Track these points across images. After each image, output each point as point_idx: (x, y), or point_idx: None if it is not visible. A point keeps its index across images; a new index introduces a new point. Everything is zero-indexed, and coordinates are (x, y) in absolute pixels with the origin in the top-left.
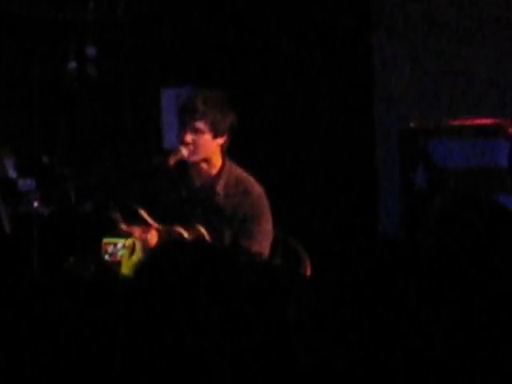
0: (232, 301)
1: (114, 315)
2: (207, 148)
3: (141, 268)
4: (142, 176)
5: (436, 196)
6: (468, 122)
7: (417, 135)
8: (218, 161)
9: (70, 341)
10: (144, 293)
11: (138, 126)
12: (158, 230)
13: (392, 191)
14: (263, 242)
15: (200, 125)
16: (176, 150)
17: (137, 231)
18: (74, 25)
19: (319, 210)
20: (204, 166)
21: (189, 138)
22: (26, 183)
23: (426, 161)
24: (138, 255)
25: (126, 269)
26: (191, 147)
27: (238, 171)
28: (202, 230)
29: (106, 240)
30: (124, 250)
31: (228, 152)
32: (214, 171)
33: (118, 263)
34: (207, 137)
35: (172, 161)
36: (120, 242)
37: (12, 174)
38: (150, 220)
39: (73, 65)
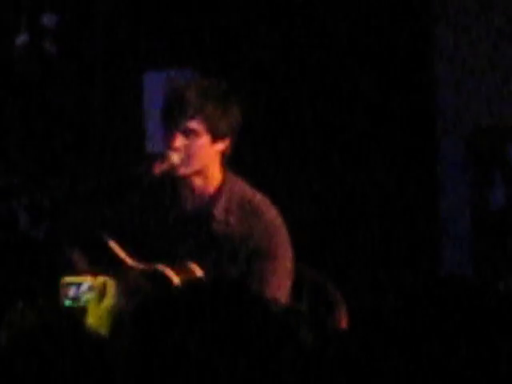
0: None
1: None
2: (202, 156)
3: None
4: (116, 192)
5: None
6: None
7: (491, 137)
8: (216, 174)
9: None
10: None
11: (112, 122)
12: (134, 271)
13: (457, 213)
14: (280, 285)
15: (194, 125)
16: (163, 156)
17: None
18: None
19: (360, 239)
20: (198, 181)
21: (179, 142)
22: None
23: (504, 170)
24: (110, 300)
25: (93, 318)
26: (182, 155)
27: (244, 188)
28: (197, 271)
29: (66, 279)
30: (91, 292)
31: (231, 162)
32: (212, 188)
33: (83, 310)
34: (203, 141)
35: (157, 170)
36: (85, 282)
37: None
38: (123, 256)
39: (24, 38)
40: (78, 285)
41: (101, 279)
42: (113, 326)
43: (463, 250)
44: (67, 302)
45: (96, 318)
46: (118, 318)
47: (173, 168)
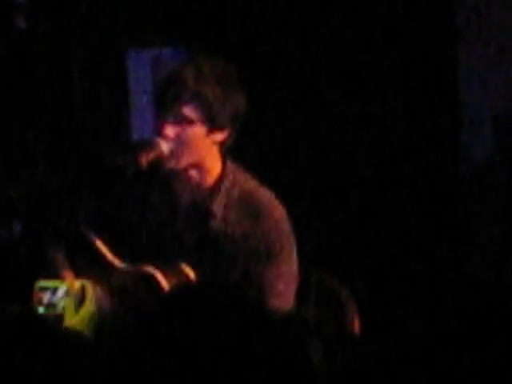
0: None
1: None
2: (196, 147)
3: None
4: (98, 185)
5: None
6: None
7: None
8: (215, 166)
9: None
10: None
11: (92, 106)
12: (121, 273)
13: (486, 209)
14: (284, 290)
15: (188, 111)
16: (151, 145)
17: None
18: None
19: (375, 236)
20: (194, 173)
21: (170, 130)
22: None
23: None
24: (89, 306)
25: (72, 326)
26: (173, 145)
27: (246, 181)
28: (189, 274)
29: (39, 283)
30: (68, 298)
31: (233, 153)
32: (210, 181)
33: (59, 318)
34: (199, 129)
35: (144, 160)
36: (61, 287)
37: None
38: (109, 256)
39: None
40: (54, 290)
41: (79, 283)
42: (94, 335)
43: (491, 249)
44: (41, 309)
45: (74, 327)
46: (99, 326)
47: (162, 159)
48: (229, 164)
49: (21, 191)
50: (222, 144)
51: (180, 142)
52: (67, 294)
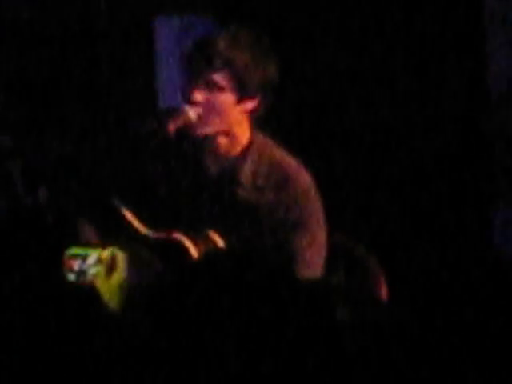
0: None
1: None
2: (225, 115)
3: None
4: (125, 152)
5: None
6: None
7: None
8: (243, 135)
9: None
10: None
11: (118, 73)
12: (148, 240)
13: None
14: (312, 259)
15: (219, 78)
16: (179, 112)
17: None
18: None
19: (402, 209)
20: (222, 140)
21: (200, 96)
22: None
23: None
24: (120, 274)
25: (101, 295)
26: (202, 111)
27: (274, 150)
28: (218, 241)
29: (70, 251)
30: (99, 266)
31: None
32: (238, 149)
33: (90, 285)
34: (229, 97)
35: (172, 128)
36: (92, 254)
37: None
38: (136, 224)
39: None
40: (84, 257)
41: (109, 251)
42: (124, 303)
43: None
44: (71, 276)
45: (104, 295)
46: (129, 294)
47: (189, 126)
48: (256, 133)
49: (48, 158)
50: (251, 113)
51: (209, 109)
52: (98, 261)
